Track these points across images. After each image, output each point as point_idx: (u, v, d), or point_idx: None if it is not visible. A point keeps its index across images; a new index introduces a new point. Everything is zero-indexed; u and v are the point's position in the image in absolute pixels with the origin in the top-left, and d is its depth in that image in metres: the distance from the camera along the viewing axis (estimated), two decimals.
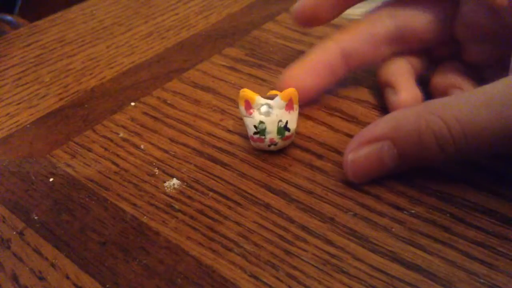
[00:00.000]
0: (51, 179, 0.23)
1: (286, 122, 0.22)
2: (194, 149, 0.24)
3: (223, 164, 0.23)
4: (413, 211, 0.20)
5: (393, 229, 0.20)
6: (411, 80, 0.25)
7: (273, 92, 0.24)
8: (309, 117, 0.26)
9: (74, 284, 0.18)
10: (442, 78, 0.25)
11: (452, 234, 0.19)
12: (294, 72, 0.25)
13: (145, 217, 0.21)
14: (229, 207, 0.21)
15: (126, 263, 0.19)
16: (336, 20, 0.27)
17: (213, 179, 0.22)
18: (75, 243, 0.20)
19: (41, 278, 0.19)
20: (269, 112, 0.22)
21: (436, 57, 0.26)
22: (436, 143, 0.19)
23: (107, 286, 0.18)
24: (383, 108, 0.26)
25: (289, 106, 0.22)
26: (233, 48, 0.33)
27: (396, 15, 0.25)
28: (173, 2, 0.41)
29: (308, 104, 0.26)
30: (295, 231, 0.20)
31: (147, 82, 0.30)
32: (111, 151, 0.24)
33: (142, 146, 0.25)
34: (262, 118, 0.22)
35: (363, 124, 0.25)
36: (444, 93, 0.24)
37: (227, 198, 0.21)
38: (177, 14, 0.39)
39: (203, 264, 0.19)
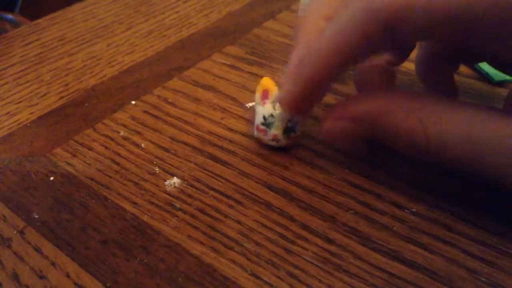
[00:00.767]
0: (51, 178, 0.23)
1: (295, 124, 0.22)
2: (194, 147, 0.24)
3: (224, 163, 0.23)
4: (414, 210, 0.20)
5: (394, 228, 0.19)
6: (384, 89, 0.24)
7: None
8: (309, 116, 0.26)
9: (75, 283, 0.18)
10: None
11: (453, 233, 0.19)
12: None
13: (145, 215, 0.21)
14: (230, 206, 0.21)
15: (127, 261, 0.19)
16: None
17: (213, 177, 0.22)
18: (76, 242, 0.20)
19: (42, 277, 0.19)
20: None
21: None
22: (409, 147, 0.19)
23: (108, 285, 0.18)
24: None
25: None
26: (233, 46, 0.33)
27: None
28: (173, 0, 0.40)
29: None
30: (296, 229, 0.20)
31: (148, 80, 0.30)
32: (111, 149, 0.24)
33: (142, 145, 0.25)
34: (274, 112, 0.22)
35: None
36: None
37: (228, 197, 0.21)
38: (177, 12, 0.39)
39: (204, 263, 0.19)
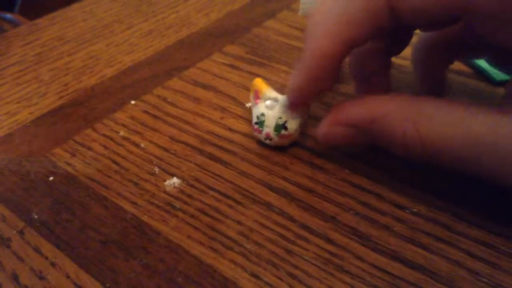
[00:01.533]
0: (51, 178, 0.23)
1: (285, 122, 0.22)
2: (194, 147, 0.24)
3: (224, 163, 0.23)
4: (414, 210, 0.20)
5: (395, 228, 0.19)
6: (378, 78, 0.24)
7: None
8: (309, 115, 0.26)
9: (74, 283, 0.18)
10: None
11: (454, 233, 0.19)
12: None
13: (145, 216, 0.21)
14: (230, 206, 0.21)
15: (127, 262, 0.19)
16: None
17: (213, 177, 0.22)
18: (75, 242, 0.20)
19: (41, 278, 0.18)
20: (273, 106, 0.22)
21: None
22: (405, 153, 0.19)
23: (107, 285, 0.18)
24: None
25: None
26: (233, 46, 0.33)
27: None
28: (173, 0, 0.40)
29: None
30: (296, 230, 0.20)
31: (147, 80, 0.30)
32: (111, 149, 0.24)
33: (142, 145, 0.25)
34: (265, 110, 0.23)
35: None
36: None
37: (228, 197, 0.21)
38: (177, 12, 0.39)
39: (204, 263, 0.19)
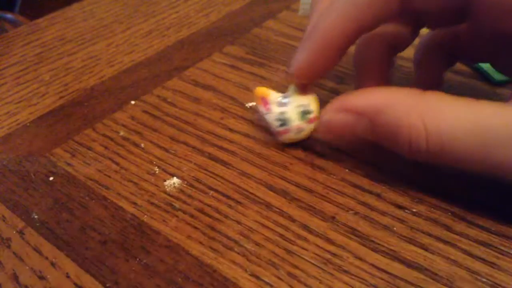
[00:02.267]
0: (51, 178, 0.23)
1: (306, 105, 0.22)
2: (194, 147, 0.24)
3: (224, 163, 0.23)
4: (414, 210, 0.20)
5: (395, 228, 0.19)
6: (380, 71, 0.24)
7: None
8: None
9: (74, 284, 0.18)
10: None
11: (453, 233, 0.19)
12: None
13: (145, 216, 0.21)
14: (230, 206, 0.21)
15: (126, 262, 0.19)
16: None
17: (213, 177, 0.22)
18: (75, 242, 0.20)
19: (41, 278, 0.18)
20: (286, 101, 0.22)
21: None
22: (408, 148, 0.19)
23: (107, 285, 0.18)
24: None
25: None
26: (233, 46, 0.33)
27: None
28: (173, 0, 0.40)
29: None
30: (296, 230, 0.20)
31: (147, 80, 0.30)
32: (111, 149, 0.24)
33: (142, 145, 0.25)
34: (282, 109, 0.22)
35: None
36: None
37: (228, 197, 0.21)
38: (177, 12, 0.39)
39: (204, 263, 0.19)
